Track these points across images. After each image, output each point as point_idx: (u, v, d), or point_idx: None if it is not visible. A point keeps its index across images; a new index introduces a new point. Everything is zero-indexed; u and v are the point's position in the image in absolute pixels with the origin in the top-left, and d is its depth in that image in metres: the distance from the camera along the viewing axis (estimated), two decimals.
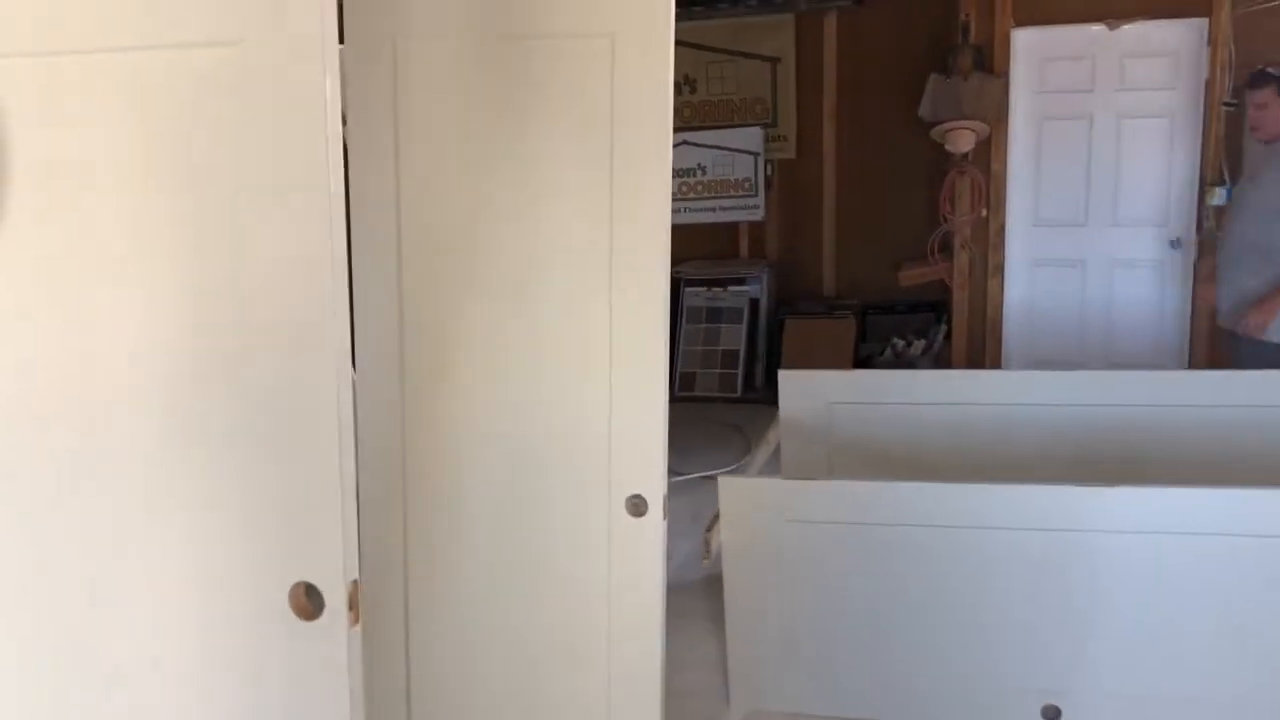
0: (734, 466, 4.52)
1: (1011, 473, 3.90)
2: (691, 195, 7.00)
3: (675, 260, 7.40)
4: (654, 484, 2.18)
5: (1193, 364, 5.53)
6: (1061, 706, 2.88)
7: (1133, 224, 5.55)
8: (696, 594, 3.71)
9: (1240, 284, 3.98)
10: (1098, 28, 5.36)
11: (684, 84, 7.03)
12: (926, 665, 2.97)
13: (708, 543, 3.02)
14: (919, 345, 6.16)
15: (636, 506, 2.19)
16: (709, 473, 4.90)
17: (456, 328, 2.28)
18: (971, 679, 2.95)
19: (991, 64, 5.57)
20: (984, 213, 5.69)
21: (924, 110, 5.62)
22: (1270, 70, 4.05)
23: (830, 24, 6.70)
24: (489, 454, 2.30)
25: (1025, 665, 2.88)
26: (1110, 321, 5.68)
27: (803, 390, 4.05)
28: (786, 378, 4.13)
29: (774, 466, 4.22)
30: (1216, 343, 5.50)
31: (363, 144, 2.28)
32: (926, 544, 2.91)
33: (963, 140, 5.50)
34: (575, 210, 2.16)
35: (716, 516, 3.07)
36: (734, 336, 6.62)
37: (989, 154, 5.64)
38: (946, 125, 5.50)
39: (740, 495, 3.05)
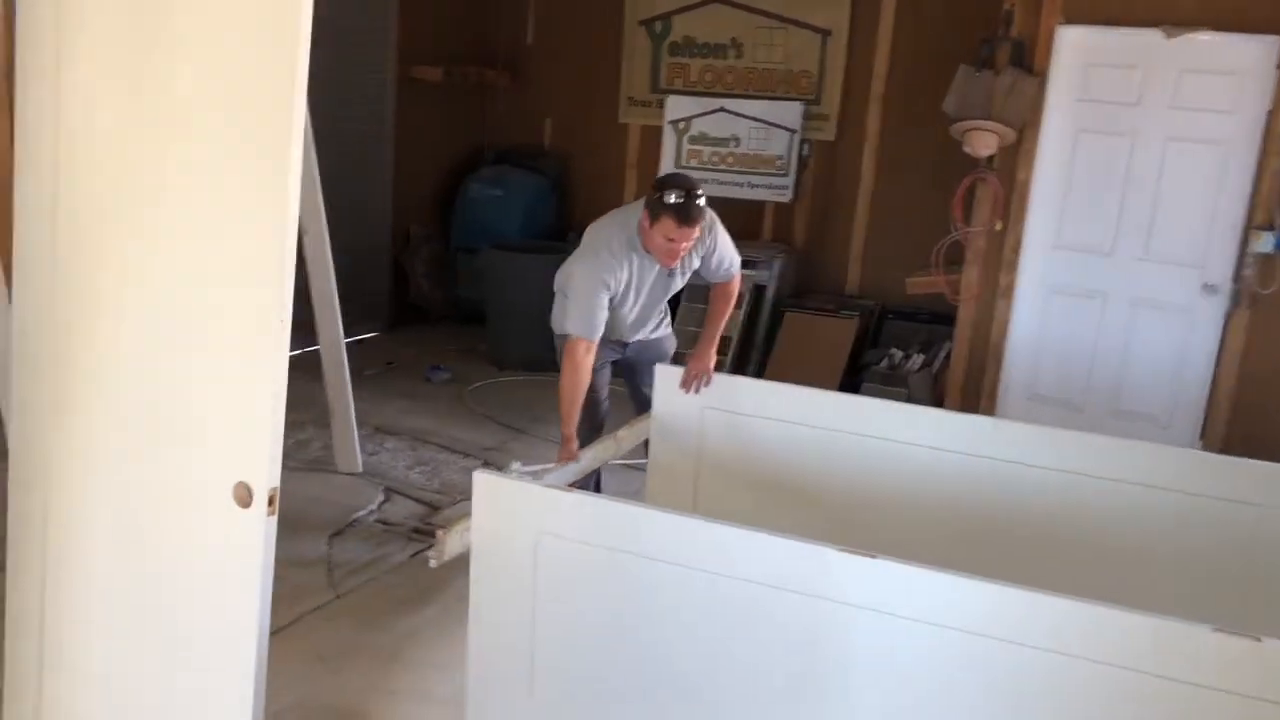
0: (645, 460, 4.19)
1: (877, 519, 3.48)
2: (721, 167, 6.61)
3: None
4: (259, 471, 1.91)
5: (1209, 428, 4.90)
6: None
7: (1165, 261, 4.92)
8: None
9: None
10: (1154, 34, 4.73)
11: (730, 47, 6.63)
12: (657, 715, 2.62)
13: (440, 542, 2.70)
14: (917, 360, 5.66)
15: (243, 496, 1.93)
16: (629, 462, 4.57)
17: (104, 257, 2.06)
18: None
19: (1031, 62, 4.99)
20: (998, 226, 5.14)
21: (948, 104, 5.09)
22: (700, 198, 3.37)
23: None
24: (120, 404, 2.08)
25: None
26: (1125, 365, 5.06)
27: (678, 388, 3.70)
28: (663, 372, 3.78)
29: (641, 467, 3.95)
30: (1239, 408, 4.87)
31: (28, 60, 2.08)
32: (678, 583, 2.52)
33: (982, 143, 4.96)
34: (203, 137, 1.90)
35: (462, 515, 2.78)
36: (730, 321, 6.23)
37: (1015, 161, 5.08)
38: (966, 124, 4.96)
39: (495, 496, 2.70)
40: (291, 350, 5.98)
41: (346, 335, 4.97)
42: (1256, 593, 3.13)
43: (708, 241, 3.65)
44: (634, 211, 3.59)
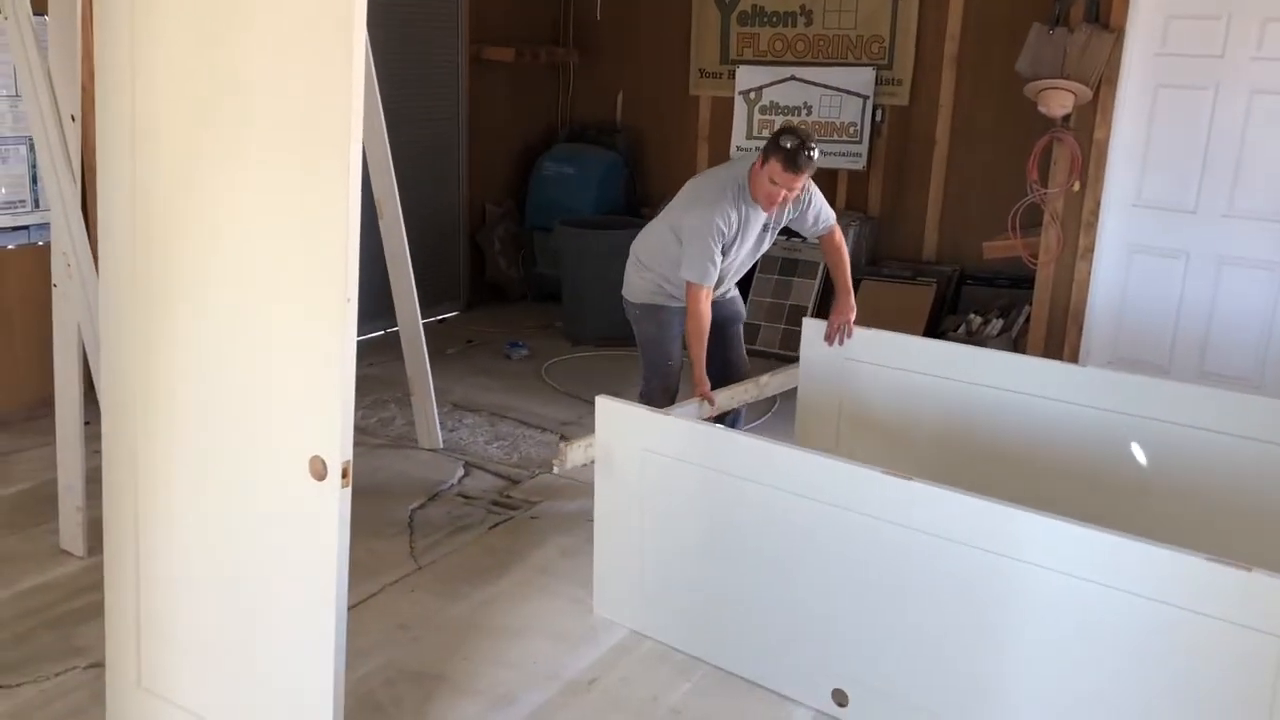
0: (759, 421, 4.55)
1: (995, 462, 3.71)
2: None
3: None
4: (333, 445, 2.00)
5: None
6: (851, 696, 2.79)
7: (1251, 216, 4.77)
8: None
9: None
10: None
11: (799, 15, 6.58)
12: (740, 621, 2.97)
13: (561, 453, 3.15)
14: (996, 325, 5.59)
15: (318, 469, 2.02)
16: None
17: (180, 245, 2.17)
18: (774, 644, 2.92)
19: (1107, 17, 4.87)
20: (1076, 186, 5.04)
21: (1021, 64, 4.99)
22: (812, 150, 3.49)
23: None
24: (201, 385, 2.19)
25: (824, 644, 2.82)
26: (1211, 325, 4.94)
27: (822, 341, 4.09)
28: (809, 325, 4.17)
29: (787, 411, 4.44)
30: None
31: (105, 55, 2.19)
32: (764, 503, 2.84)
33: (1057, 102, 4.85)
34: (268, 123, 1.98)
35: (579, 435, 3.30)
36: (805, 293, 6.23)
37: (1092, 120, 4.97)
38: (1039, 84, 4.86)
39: (611, 416, 3.13)
40: (375, 331, 6.15)
41: (428, 315, 5.10)
42: None
43: (804, 198, 3.82)
44: (744, 163, 3.76)
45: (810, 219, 3.92)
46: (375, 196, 4.29)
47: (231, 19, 1.99)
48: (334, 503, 2.01)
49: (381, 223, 4.36)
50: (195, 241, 2.11)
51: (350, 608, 3.18)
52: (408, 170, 4.91)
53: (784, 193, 3.58)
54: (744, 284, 6.14)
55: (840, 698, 2.77)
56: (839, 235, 4.04)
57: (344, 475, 2.01)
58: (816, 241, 4.15)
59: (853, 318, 4.06)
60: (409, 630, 3.18)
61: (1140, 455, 3.49)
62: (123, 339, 2.29)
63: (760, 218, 3.75)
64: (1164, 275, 5.00)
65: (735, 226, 3.67)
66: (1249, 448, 3.39)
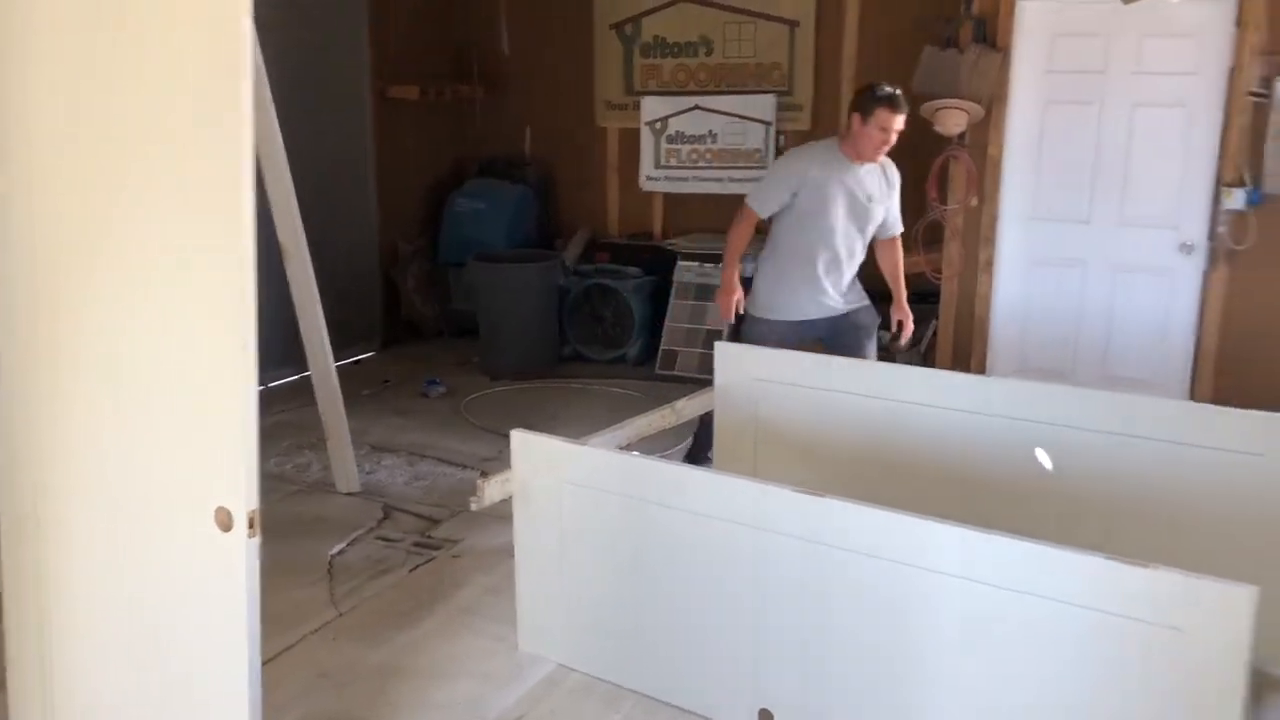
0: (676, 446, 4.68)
1: (910, 476, 3.75)
2: (700, 164, 6.67)
3: (676, 231, 7.09)
4: (238, 494, 1.96)
5: (1197, 386, 4.94)
6: (777, 715, 2.81)
7: (1141, 224, 4.97)
8: None
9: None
10: (1113, 1, 4.77)
11: (700, 45, 6.68)
12: (665, 647, 2.99)
13: (479, 489, 3.14)
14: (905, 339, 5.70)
15: (224, 519, 1.99)
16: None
17: (73, 290, 2.12)
18: (698, 666, 2.94)
19: (994, 37, 5.03)
20: (974, 202, 5.18)
21: (915, 85, 5.14)
22: (897, 91, 4.06)
23: None
24: (100, 437, 2.14)
25: (745, 665, 2.83)
26: (1110, 331, 5.12)
27: (735, 364, 4.12)
28: (722, 350, 4.20)
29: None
30: (1224, 364, 4.91)
31: None
32: (682, 528, 2.87)
33: (952, 121, 5.01)
34: (158, 165, 1.95)
35: (499, 471, 3.23)
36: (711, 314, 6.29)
37: (985, 137, 5.13)
38: (935, 104, 5.01)
39: (529, 450, 3.13)
40: (288, 376, 6.01)
41: (342, 357, 5.03)
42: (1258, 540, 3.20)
43: (896, 183, 4.31)
44: (828, 139, 4.29)
45: (890, 216, 4.34)
46: (280, 240, 4.24)
47: (111, 69, 1.96)
48: (242, 554, 1.97)
49: (288, 266, 4.31)
50: (92, 299, 2.07)
51: (269, 659, 3.13)
52: (317, 212, 4.85)
53: (894, 135, 4.02)
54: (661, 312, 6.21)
55: (766, 718, 2.79)
56: (900, 244, 4.50)
57: (250, 525, 1.97)
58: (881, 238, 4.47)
59: (907, 320, 4.52)
60: (330, 678, 3.13)
61: (1046, 460, 3.57)
62: (16, 398, 2.23)
63: (855, 180, 4.15)
64: (1063, 285, 5.17)
65: (816, 172, 4.12)
66: (1152, 448, 3.47)
